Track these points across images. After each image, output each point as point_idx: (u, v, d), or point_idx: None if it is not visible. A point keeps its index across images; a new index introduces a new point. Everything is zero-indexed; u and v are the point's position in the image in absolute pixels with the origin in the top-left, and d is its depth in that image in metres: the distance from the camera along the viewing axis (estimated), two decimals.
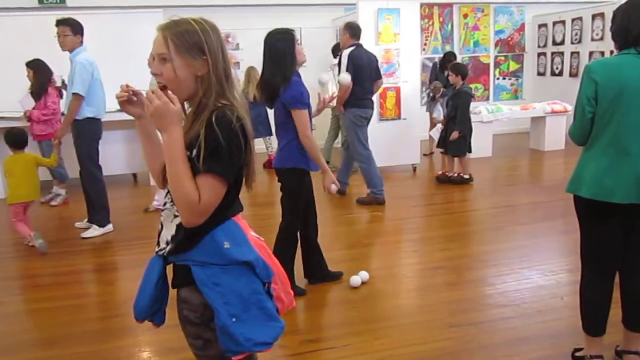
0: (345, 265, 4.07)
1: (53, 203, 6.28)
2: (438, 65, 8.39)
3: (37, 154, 5.06)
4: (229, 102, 1.56)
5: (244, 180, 1.66)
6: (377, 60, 6.02)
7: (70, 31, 4.81)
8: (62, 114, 6.12)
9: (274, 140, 8.07)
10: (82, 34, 4.92)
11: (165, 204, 1.64)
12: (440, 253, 4.34)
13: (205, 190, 1.49)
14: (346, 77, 5.20)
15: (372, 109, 5.90)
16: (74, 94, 4.77)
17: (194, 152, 1.50)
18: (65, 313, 3.59)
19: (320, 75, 7.13)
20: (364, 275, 3.76)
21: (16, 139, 4.76)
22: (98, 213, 5.08)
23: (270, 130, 7.42)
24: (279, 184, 3.53)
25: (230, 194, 1.58)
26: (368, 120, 5.87)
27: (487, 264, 4.09)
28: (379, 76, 6.00)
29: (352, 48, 5.76)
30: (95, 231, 5.04)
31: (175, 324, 1.69)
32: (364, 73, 5.65)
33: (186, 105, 1.64)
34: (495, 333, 3.05)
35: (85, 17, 7.05)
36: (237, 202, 1.67)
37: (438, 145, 6.93)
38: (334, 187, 3.42)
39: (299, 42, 3.35)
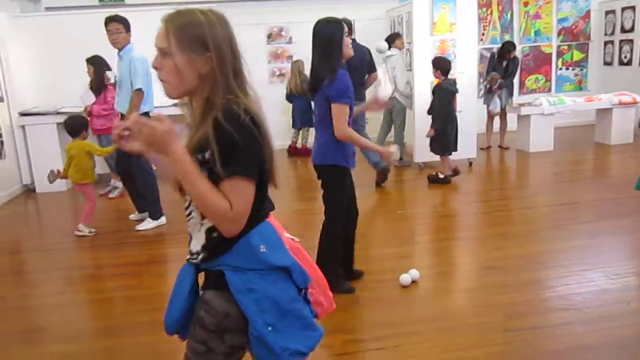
0: (395, 263, 3.98)
1: (111, 195, 6.47)
2: (496, 56, 8.08)
3: (91, 142, 5.21)
4: (234, 97, 1.47)
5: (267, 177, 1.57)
6: (370, 54, 6.43)
7: (123, 28, 4.90)
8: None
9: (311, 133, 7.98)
10: (130, 31, 5.00)
11: (189, 213, 1.57)
12: (495, 252, 4.16)
13: (234, 196, 1.42)
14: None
15: (364, 101, 5.87)
16: (137, 89, 4.86)
17: (207, 154, 1.42)
18: (121, 304, 3.69)
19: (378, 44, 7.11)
20: (414, 273, 3.65)
21: (68, 127, 5.09)
22: (151, 206, 5.18)
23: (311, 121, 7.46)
24: (319, 180, 3.44)
25: (259, 193, 1.50)
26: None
27: (546, 265, 3.88)
28: (372, 69, 6.02)
29: None
30: (149, 224, 5.14)
31: None
32: (353, 67, 5.57)
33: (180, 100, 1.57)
34: (554, 339, 2.87)
35: (143, 14, 7.30)
36: (267, 200, 1.61)
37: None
38: (395, 155, 3.30)
39: (347, 33, 3.21)
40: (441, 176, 6.33)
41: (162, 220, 5.22)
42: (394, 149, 3.28)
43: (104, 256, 4.59)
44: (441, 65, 6.20)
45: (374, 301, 3.42)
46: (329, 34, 3.17)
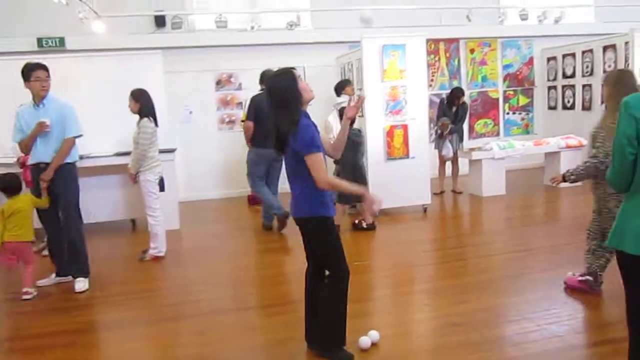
0: (353, 322, 3.67)
1: (45, 253, 5.96)
2: (445, 102, 8.15)
3: (30, 195, 4.80)
4: None
5: None
6: None
7: (48, 75, 4.67)
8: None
9: None
10: None
11: None
12: (455, 306, 3.95)
13: None
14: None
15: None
16: (72, 137, 4.67)
17: None
18: None
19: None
20: (373, 335, 3.39)
21: (6, 183, 4.66)
22: (85, 263, 4.79)
23: None
24: (302, 235, 3.24)
25: None
26: (267, 159, 6.26)
27: (509, 319, 3.70)
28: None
29: (256, 93, 6.12)
30: (86, 283, 4.74)
31: None
32: (264, 115, 5.58)
33: None
34: None
35: (84, 60, 7.02)
36: None
37: None
38: (375, 207, 3.18)
39: (300, 78, 3.06)
40: (364, 225, 6.30)
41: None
42: (376, 208, 3.14)
43: (32, 325, 4.12)
44: None
45: None
46: (281, 87, 3.02)
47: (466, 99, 9.34)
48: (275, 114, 3.04)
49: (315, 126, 3.07)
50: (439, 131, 8.02)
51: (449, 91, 8.38)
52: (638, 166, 2.07)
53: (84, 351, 3.61)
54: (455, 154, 8.10)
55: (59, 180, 4.68)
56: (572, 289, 4.08)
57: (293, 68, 3.09)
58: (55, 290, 4.77)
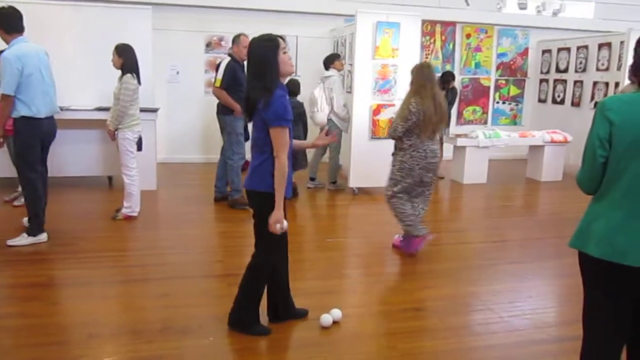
0: (317, 299, 3.71)
1: (16, 203, 5.88)
2: None
3: None
4: None
5: None
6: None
7: None
8: None
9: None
10: (12, 27, 4.42)
11: None
12: (422, 292, 3.97)
13: None
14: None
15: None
16: (2, 94, 4.35)
17: None
18: (4, 335, 3.19)
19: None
20: (336, 313, 3.39)
21: None
22: (31, 221, 4.68)
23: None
24: (251, 209, 3.16)
25: None
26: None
27: (473, 308, 3.73)
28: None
29: (229, 59, 5.98)
30: (23, 240, 4.61)
31: None
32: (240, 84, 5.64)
33: None
34: None
35: (71, 8, 6.82)
36: None
37: None
38: (278, 227, 2.94)
39: (286, 50, 2.96)
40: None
41: (42, 237, 4.67)
42: (277, 228, 2.94)
43: None
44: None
45: (290, 345, 3.13)
46: (261, 53, 2.91)
47: (458, 84, 9.30)
48: (250, 78, 2.97)
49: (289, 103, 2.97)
50: None
51: (440, 74, 8.29)
52: (608, 169, 2.04)
53: (45, 306, 3.57)
54: (440, 139, 8.04)
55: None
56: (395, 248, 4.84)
57: (281, 37, 2.98)
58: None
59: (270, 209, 2.94)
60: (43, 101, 4.52)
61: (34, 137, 4.52)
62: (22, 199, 5.87)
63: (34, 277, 4.01)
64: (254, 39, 3.01)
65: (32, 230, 4.64)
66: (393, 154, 4.84)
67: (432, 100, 4.46)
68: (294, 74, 3.11)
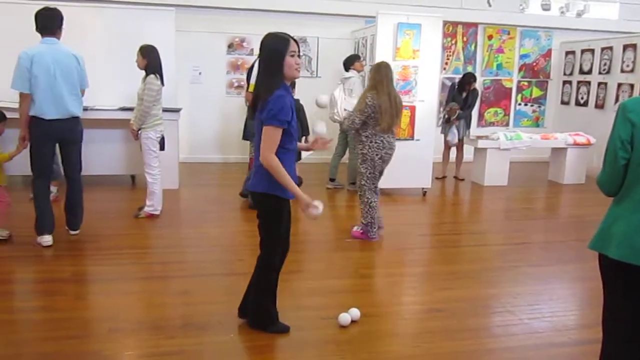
0: (336, 299, 3.74)
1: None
2: (456, 87, 8.03)
3: None
4: None
5: None
6: None
7: None
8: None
9: None
10: (41, 28, 4.47)
11: None
12: (441, 292, 3.96)
13: None
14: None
15: None
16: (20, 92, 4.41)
17: None
18: (28, 328, 3.28)
19: (319, 100, 6.75)
20: (354, 313, 3.40)
21: None
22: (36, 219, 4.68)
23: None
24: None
25: None
26: None
27: (493, 310, 3.71)
28: None
29: None
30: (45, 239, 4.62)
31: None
32: None
33: None
34: None
35: (95, 10, 6.94)
36: None
37: None
38: (312, 211, 2.87)
39: (294, 53, 2.88)
40: None
41: (41, 239, 4.63)
42: (318, 204, 2.87)
43: (16, 269, 4.17)
44: None
45: (308, 343, 3.15)
46: (273, 49, 2.88)
47: (479, 86, 9.26)
48: (261, 74, 2.96)
49: (293, 104, 2.93)
50: (446, 116, 7.94)
51: (461, 75, 8.26)
52: (629, 171, 2.03)
53: (68, 300, 3.65)
54: (460, 140, 8.02)
55: None
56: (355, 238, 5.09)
57: (293, 39, 2.90)
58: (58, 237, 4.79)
59: (272, 210, 3.00)
60: (53, 103, 4.42)
61: (40, 137, 4.48)
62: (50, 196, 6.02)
63: (58, 273, 4.10)
64: (268, 33, 2.96)
65: (36, 229, 4.64)
66: (353, 148, 5.32)
67: (388, 96, 4.84)
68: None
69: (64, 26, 4.58)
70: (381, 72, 4.92)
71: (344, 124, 5.46)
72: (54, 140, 4.59)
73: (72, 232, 4.88)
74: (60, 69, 4.46)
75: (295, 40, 2.91)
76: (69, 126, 4.58)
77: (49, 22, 4.47)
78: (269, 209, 3.01)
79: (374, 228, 5.09)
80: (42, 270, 4.14)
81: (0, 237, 4.66)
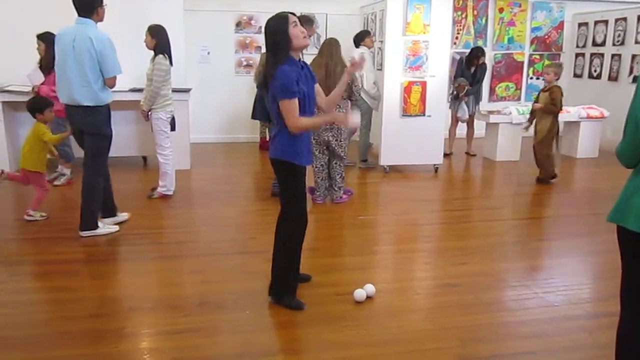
0: (351, 275, 3.76)
1: (56, 183, 6.06)
2: (464, 62, 7.92)
3: (44, 126, 4.82)
4: None
5: None
6: None
7: None
8: None
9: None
10: (75, 8, 4.32)
11: None
12: (456, 267, 3.97)
13: None
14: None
15: None
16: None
17: None
18: (49, 308, 3.34)
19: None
20: (370, 288, 3.43)
21: (28, 106, 4.87)
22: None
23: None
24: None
25: None
26: None
27: (508, 284, 3.72)
28: None
29: None
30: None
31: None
32: None
33: None
34: None
35: None
36: None
37: None
38: (350, 120, 3.10)
39: (296, 23, 3.01)
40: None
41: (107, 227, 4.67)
42: (355, 122, 3.12)
43: (38, 250, 4.23)
44: None
45: (324, 319, 3.17)
46: (272, 30, 3.03)
47: (490, 60, 9.15)
48: (267, 56, 3.09)
49: (309, 71, 3.14)
50: (454, 92, 7.86)
51: (468, 50, 8.14)
52: None
53: (84, 281, 3.71)
54: (471, 116, 7.96)
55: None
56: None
57: (292, 13, 3.07)
58: (63, 220, 4.84)
59: (288, 176, 3.18)
60: (64, 87, 4.32)
61: (68, 120, 4.59)
62: (63, 179, 6.09)
63: (75, 254, 4.15)
64: (267, 21, 3.09)
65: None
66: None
67: (324, 69, 5.21)
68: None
69: (102, 4, 4.33)
70: (322, 48, 5.39)
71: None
72: (73, 125, 4.53)
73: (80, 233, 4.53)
74: (75, 52, 4.21)
75: (292, 13, 3.05)
76: (78, 114, 4.35)
77: (78, 2, 4.24)
78: (286, 175, 3.20)
79: (316, 192, 5.51)
80: (58, 252, 4.18)
81: (41, 217, 4.84)
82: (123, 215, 4.88)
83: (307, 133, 3.25)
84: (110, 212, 4.79)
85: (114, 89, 4.50)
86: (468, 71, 7.80)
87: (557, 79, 6.32)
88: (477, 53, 7.79)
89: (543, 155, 6.40)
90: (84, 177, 4.49)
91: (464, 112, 7.78)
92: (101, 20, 4.38)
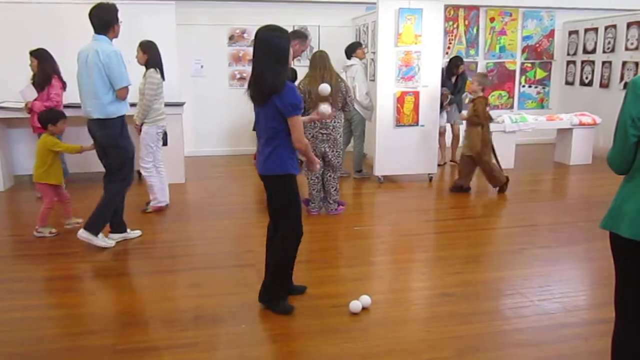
0: (346, 286, 3.76)
1: None
2: (445, 72, 7.94)
3: (53, 137, 4.83)
4: None
5: None
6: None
7: None
8: (65, 106, 5.90)
9: None
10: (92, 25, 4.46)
11: None
12: (451, 277, 3.97)
13: None
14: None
15: None
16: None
17: None
18: (43, 325, 3.31)
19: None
20: (365, 300, 3.42)
21: (42, 117, 4.90)
22: None
23: None
24: (267, 192, 3.38)
25: None
26: None
27: (503, 293, 3.72)
28: None
29: None
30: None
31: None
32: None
33: None
34: None
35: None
36: None
37: None
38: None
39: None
40: None
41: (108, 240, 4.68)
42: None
43: (28, 268, 4.20)
44: None
45: (320, 331, 3.16)
46: (283, 45, 3.10)
47: (482, 69, 9.22)
48: (272, 67, 3.06)
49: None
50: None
51: (447, 60, 8.15)
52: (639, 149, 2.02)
53: (79, 297, 3.69)
54: (454, 125, 8.00)
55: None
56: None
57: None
58: (55, 237, 4.82)
59: (290, 187, 3.25)
60: (81, 102, 4.50)
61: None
62: None
63: (70, 270, 4.13)
64: (267, 27, 3.16)
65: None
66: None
67: (322, 82, 4.98)
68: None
69: (118, 22, 4.48)
70: (315, 61, 5.40)
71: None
72: (94, 140, 4.59)
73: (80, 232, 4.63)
74: (87, 67, 4.36)
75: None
76: (93, 128, 4.49)
77: (94, 20, 4.38)
78: (288, 187, 3.26)
79: (311, 203, 5.54)
80: (53, 268, 4.16)
81: (50, 234, 4.81)
82: (135, 232, 4.87)
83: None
84: (119, 227, 4.77)
85: None
86: (449, 81, 7.81)
87: (483, 90, 6.30)
88: (456, 62, 7.81)
89: (485, 165, 6.38)
90: (105, 192, 4.57)
91: (442, 120, 7.76)
92: (116, 36, 4.51)
